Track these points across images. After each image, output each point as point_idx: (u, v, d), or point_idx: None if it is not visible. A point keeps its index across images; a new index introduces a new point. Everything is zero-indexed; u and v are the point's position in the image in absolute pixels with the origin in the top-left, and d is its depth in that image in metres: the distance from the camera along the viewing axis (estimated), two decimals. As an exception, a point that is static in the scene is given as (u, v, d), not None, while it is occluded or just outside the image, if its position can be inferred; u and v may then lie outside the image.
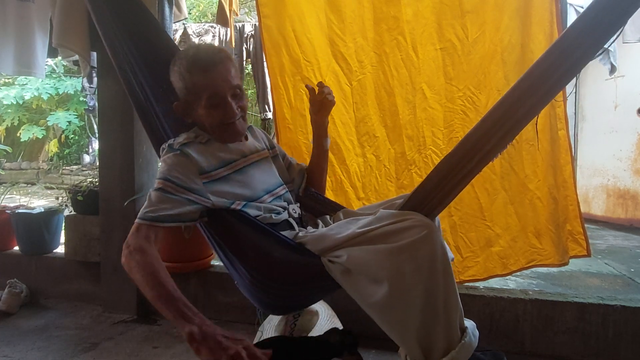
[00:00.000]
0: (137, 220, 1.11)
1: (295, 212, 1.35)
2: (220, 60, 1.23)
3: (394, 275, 1.00)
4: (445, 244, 1.42)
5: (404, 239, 1.00)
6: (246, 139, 1.37)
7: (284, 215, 1.29)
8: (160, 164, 1.21)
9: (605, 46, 1.18)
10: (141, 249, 1.06)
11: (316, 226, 1.38)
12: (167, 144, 1.24)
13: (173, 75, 1.28)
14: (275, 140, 1.61)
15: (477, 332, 1.13)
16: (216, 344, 0.91)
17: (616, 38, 1.15)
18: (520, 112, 0.99)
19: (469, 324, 1.12)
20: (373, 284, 1.04)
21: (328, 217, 1.44)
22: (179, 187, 1.14)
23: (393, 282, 1.00)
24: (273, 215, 1.26)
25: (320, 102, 1.43)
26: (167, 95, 1.39)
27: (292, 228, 1.29)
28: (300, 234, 1.24)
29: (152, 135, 1.41)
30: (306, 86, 1.46)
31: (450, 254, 1.37)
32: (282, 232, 1.22)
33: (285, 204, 1.34)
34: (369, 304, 1.05)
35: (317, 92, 1.41)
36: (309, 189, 1.54)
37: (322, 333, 1.52)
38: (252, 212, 1.22)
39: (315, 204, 1.50)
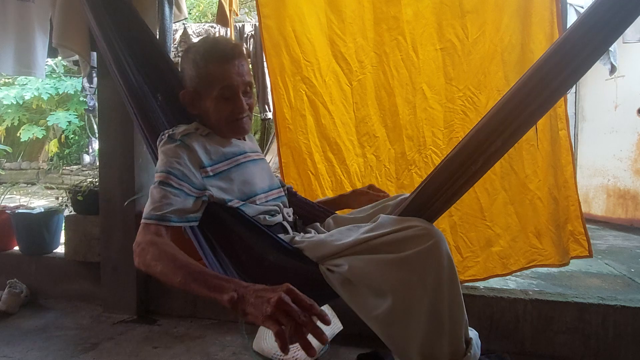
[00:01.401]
0: (143, 220, 1.06)
1: (290, 216, 1.32)
2: (239, 54, 1.21)
3: (399, 288, 0.95)
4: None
5: (409, 249, 0.96)
6: (244, 139, 1.36)
7: (279, 218, 1.26)
8: (159, 154, 1.16)
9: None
10: (152, 242, 1.02)
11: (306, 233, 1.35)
12: (166, 134, 1.19)
13: (186, 62, 1.23)
14: (275, 141, 1.61)
15: (479, 342, 1.09)
16: (257, 299, 0.84)
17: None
18: (526, 113, 0.97)
19: (472, 334, 1.07)
20: (375, 296, 0.99)
21: (318, 224, 1.40)
22: (181, 181, 1.10)
23: (397, 295, 0.96)
24: (267, 216, 1.22)
25: (370, 200, 1.46)
26: (164, 89, 1.38)
27: (286, 232, 1.25)
28: (297, 238, 1.20)
29: (150, 129, 1.35)
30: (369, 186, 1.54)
31: None
32: (278, 235, 1.18)
33: (281, 205, 1.31)
34: (370, 317, 1.00)
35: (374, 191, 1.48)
36: (297, 194, 1.53)
37: None
38: (249, 211, 1.19)
39: (304, 211, 1.46)
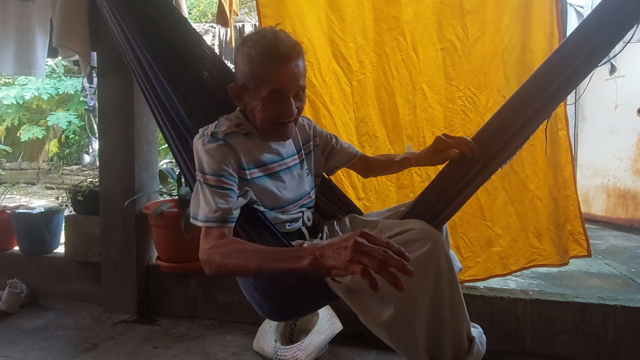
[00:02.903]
0: (203, 224, 1.07)
1: (309, 220, 1.33)
2: (296, 56, 1.15)
3: (400, 294, 0.95)
4: (453, 253, 1.40)
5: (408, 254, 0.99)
6: None
7: (299, 224, 1.28)
8: (201, 153, 1.14)
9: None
10: (216, 246, 1.03)
11: (322, 232, 1.37)
12: (209, 132, 1.16)
13: (240, 55, 1.17)
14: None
15: (484, 338, 1.12)
16: (334, 251, 0.82)
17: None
18: (528, 113, 0.98)
19: (476, 332, 1.11)
20: (378, 303, 1.02)
21: (335, 222, 1.41)
22: (230, 181, 1.11)
23: (399, 302, 0.98)
24: (287, 224, 1.24)
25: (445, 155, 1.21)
26: (184, 84, 1.38)
27: (303, 237, 1.28)
28: (305, 245, 1.23)
29: (180, 121, 1.37)
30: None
31: (459, 264, 1.33)
32: (292, 242, 1.20)
33: (305, 209, 1.32)
34: (375, 324, 1.03)
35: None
36: (331, 182, 1.51)
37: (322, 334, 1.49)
38: (270, 216, 1.21)
39: (325, 205, 1.47)
